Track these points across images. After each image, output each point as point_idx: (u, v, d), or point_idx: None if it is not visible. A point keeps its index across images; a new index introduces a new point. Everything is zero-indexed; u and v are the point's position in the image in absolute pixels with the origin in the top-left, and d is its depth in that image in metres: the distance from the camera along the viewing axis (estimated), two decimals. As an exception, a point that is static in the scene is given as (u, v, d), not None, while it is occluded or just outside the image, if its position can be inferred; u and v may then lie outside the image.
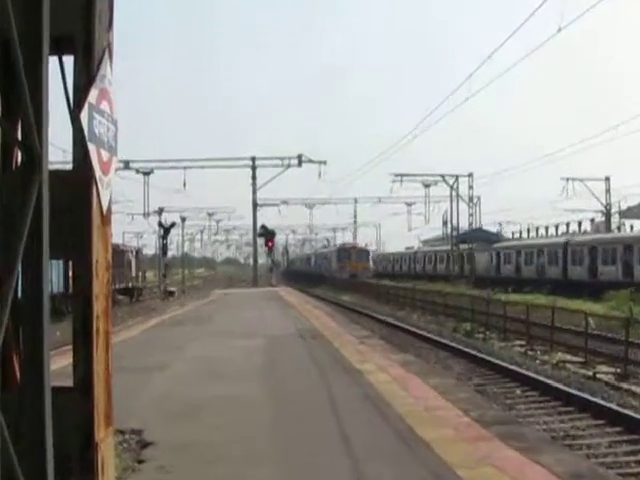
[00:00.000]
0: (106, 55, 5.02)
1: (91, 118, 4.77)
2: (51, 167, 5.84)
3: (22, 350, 3.88)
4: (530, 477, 6.78)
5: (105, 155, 5.06)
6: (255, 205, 68.56)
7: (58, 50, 4.75)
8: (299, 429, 9.07)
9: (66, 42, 4.72)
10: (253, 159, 66.24)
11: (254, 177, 66.56)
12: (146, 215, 73.44)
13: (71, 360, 4.78)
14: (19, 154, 4.35)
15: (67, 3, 4.56)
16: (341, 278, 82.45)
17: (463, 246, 72.49)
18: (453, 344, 25.21)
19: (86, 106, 4.72)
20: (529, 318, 26.96)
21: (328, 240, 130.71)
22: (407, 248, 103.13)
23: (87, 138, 4.74)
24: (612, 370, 19.54)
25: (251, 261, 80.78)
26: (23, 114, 2.61)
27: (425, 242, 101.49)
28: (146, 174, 65.82)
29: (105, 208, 4.97)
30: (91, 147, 4.85)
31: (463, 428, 8.88)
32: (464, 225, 75.15)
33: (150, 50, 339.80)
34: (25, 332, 3.02)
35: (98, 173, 4.87)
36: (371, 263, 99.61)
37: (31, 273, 2.77)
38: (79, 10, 4.71)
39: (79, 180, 4.77)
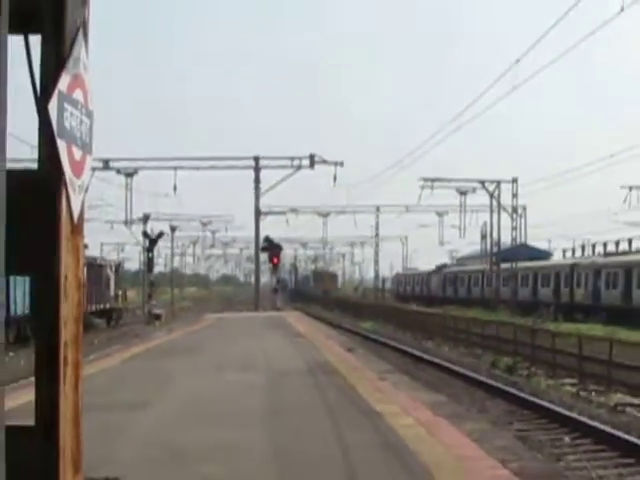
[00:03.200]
0: (80, 35, 4.83)
1: (61, 109, 4.60)
2: (15, 165, 6.22)
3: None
4: None
5: (77, 153, 5.04)
6: (258, 213, 69.25)
7: (24, 27, 4.79)
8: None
9: (31, 18, 4.53)
10: (256, 159, 67.05)
11: (257, 180, 67.51)
12: (129, 223, 73.84)
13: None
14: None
15: None
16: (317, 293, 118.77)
17: (504, 265, 74.26)
18: (491, 382, 25.30)
19: (55, 95, 4.55)
20: (582, 352, 27.16)
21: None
22: (437, 266, 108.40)
23: (56, 133, 4.72)
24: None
25: (252, 280, 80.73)
26: None
27: (460, 259, 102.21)
28: (129, 175, 66.56)
29: (76, 215, 4.85)
30: (61, 144, 4.81)
31: (501, 483, 9.09)
32: (506, 240, 76.94)
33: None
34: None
35: (69, 174, 4.82)
36: (338, 284, 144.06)
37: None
38: None
39: (46, 182, 4.75)
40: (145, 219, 73.27)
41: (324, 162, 64.72)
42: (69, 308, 4.81)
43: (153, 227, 71.39)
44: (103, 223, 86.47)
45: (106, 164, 63.13)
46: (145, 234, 67.05)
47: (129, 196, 69.45)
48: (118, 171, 65.23)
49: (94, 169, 56.31)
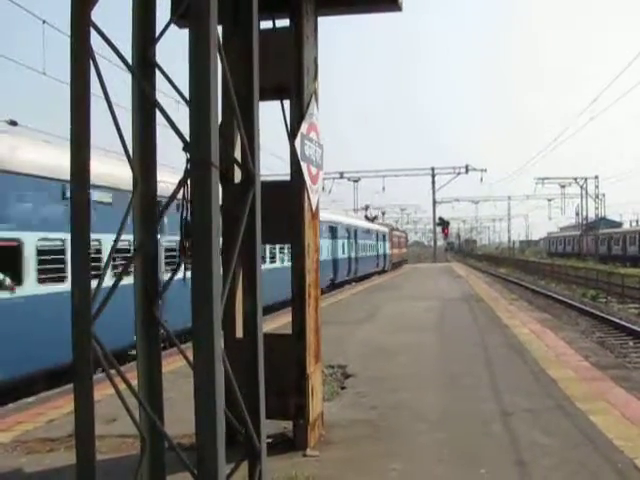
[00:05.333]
0: (313, 99, 4.98)
1: (303, 144, 4.83)
2: (277, 177, 6.37)
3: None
4: (634, 409, 6.25)
5: (314, 170, 4.99)
6: (434, 202, 67.48)
7: (279, 96, 4.87)
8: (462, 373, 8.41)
9: (284, 90, 4.80)
10: (432, 169, 65.58)
11: (433, 182, 65.97)
12: (356, 210, 72.75)
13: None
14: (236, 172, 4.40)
15: (284, 61, 4.68)
16: None
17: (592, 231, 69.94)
18: (580, 306, 23.52)
19: (299, 135, 4.80)
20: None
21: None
22: (548, 233, 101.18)
23: (300, 158, 4.79)
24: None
25: (432, 243, 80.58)
26: (242, 144, 2.64)
27: (561, 229, 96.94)
28: (355, 181, 65.18)
29: (314, 207, 4.97)
30: (303, 164, 4.83)
31: (582, 370, 8.32)
32: (592, 216, 71.45)
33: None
34: (246, 300, 2.92)
35: (308, 183, 4.83)
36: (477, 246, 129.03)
37: (248, 256, 2.70)
38: (293, 66, 4.81)
39: (295, 187, 4.82)
40: (366, 208, 72.74)
41: (474, 170, 62.26)
42: (310, 263, 4.97)
43: (371, 212, 70.49)
44: (341, 210, 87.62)
45: (341, 175, 62.22)
46: (366, 217, 66.66)
47: (356, 194, 71.15)
48: (349, 179, 63.94)
49: (334, 178, 58.52)
